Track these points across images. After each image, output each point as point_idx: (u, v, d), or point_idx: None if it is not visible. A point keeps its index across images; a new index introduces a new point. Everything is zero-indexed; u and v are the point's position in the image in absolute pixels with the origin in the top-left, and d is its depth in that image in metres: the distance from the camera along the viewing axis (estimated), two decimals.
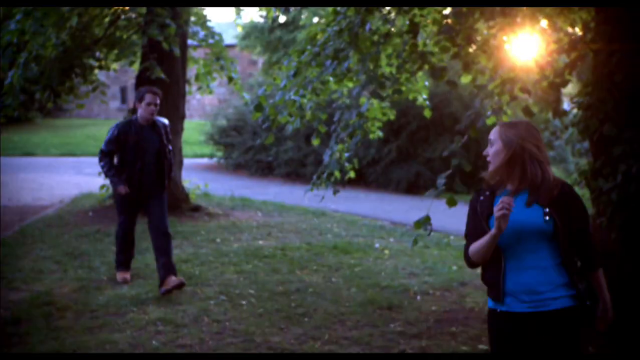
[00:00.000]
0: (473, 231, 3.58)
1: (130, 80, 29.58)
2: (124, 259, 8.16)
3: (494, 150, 3.59)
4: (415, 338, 6.28)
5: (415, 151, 19.06)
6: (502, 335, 3.56)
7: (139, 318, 6.64)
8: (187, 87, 13.51)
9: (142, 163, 7.65)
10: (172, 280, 7.37)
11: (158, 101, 7.62)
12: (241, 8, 17.22)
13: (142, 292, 7.47)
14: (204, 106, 39.26)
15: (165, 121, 8.05)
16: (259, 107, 7.06)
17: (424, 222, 5.96)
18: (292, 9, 9.75)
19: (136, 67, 12.70)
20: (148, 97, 7.54)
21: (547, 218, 3.40)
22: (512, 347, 3.52)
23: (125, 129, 7.67)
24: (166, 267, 7.46)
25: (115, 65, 13.43)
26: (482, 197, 3.62)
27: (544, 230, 3.41)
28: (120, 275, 8.02)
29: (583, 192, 6.97)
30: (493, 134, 3.61)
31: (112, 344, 5.96)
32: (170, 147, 7.90)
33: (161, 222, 7.74)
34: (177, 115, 12.85)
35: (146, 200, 7.81)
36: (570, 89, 13.30)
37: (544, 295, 3.41)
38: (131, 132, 7.63)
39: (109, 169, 7.72)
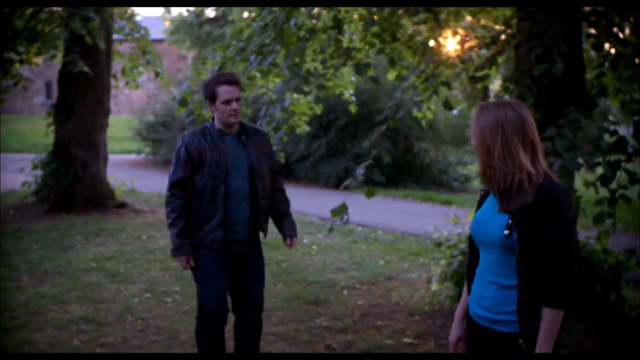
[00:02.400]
0: None
1: (56, 74, 29.12)
2: None
3: (472, 141, 2.95)
4: (340, 332, 6.30)
5: (344, 147, 19.18)
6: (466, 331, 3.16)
7: (60, 317, 6.49)
8: (112, 82, 13.27)
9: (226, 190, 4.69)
10: None
11: (239, 93, 4.69)
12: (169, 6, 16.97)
13: (63, 291, 7.30)
14: (133, 102, 38.75)
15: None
16: (183, 102, 6.97)
17: (341, 210, 5.99)
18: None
19: (59, 61, 12.43)
20: (224, 91, 4.62)
21: (507, 232, 2.82)
22: (469, 347, 3.16)
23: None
24: None
25: (37, 60, 13.11)
26: (482, 192, 3.11)
27: (504, 244, 2.84)
28: None
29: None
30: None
31: (32, 344, 5.80)
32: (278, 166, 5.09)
33: (257, 302, 4.96)
34: (102, 110, 12.64)
35: (238, 260, 4.82)
36: (498, 85, 13.56)
37: (497, 316, 2.91)
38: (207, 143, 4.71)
39: (174, 218, 4.68)
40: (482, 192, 3.10)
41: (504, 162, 2.82)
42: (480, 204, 3.07)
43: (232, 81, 4.65)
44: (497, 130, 2.83)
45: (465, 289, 3.17)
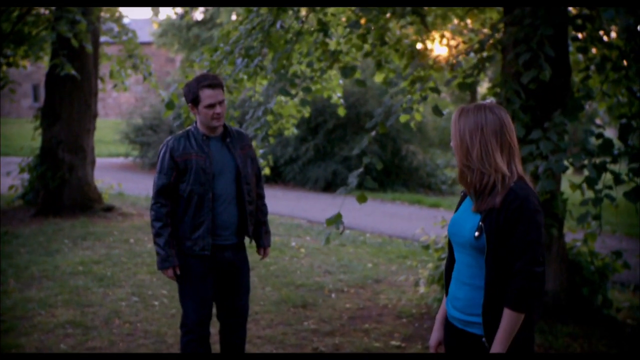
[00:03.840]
0: None
1: (43, 77, 28.95)
2: None
3: (452, 142, 2.96)
4: (328, 335, 6.30)
5: (332, 150, 19.18)
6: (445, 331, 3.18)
7: (46, 321, 6.46)
8: (100, 85, 13.23)
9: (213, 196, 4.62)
10: None
11: (222, 95, 4.61)
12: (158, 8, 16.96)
13: (50, 295, 7.28)
14: (120, 105, 38.64)
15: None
16: (170, 105, 6.96)
17: (336, 219, 5.99)
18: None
19: (47, 63, 12.39)
20: (207, 94, 4.52)
21: (477, 234, 2.86)
22: (447, 349, 3.17)
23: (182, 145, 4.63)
24: None
25: (25, 62, 13.07)
26: (462, 194, 3.13)
27: (474, 245, 2.88)
28: None
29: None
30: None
31: (18, 348, 5.78)
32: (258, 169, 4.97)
33: (243, 310, 4.94)
34: (89, 113, 12.59)
35: (225, 268, 4.77)
36: (486, 88, 13.62)
37: (469, 318, 2.96)
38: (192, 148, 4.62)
39: (159, 227, 4.59)
40: (462, 193, 3.12)
41: (482, 162, 2.85)
42: (458, 205, 3.09)
43: (215, 84, 4.54)
44: (476, 132, 2.87)
45: (444, 291, 3.19)
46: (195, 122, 4.70)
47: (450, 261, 3.12)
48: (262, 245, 4.96)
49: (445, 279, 3.15)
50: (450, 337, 3.10)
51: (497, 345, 2.81)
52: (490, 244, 2.82)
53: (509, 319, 2.80)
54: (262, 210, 4.95)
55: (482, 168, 2.86)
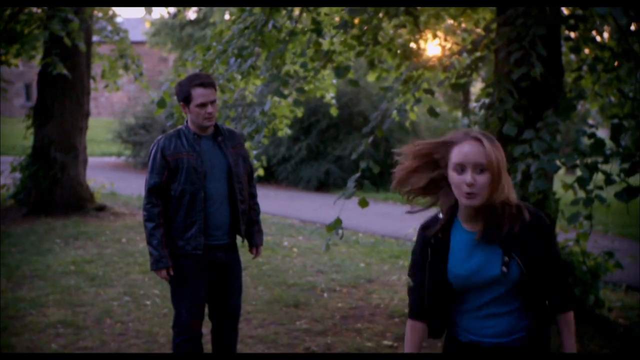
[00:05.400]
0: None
1: (36, 76, 28.91)
2: None
3: (486, 175, 2.71)
4: (320, 335, 6.30)
5: (325, 149, 19.19)
6: None
7: (38, 321, 6.44)
8: (92, 84, 13.20)
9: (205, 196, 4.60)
10: None
11: (214, 95, 4.60)
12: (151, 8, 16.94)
13: (42, 295, 7.25)
14: (113, 104, 38.55)
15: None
16: (161, 103, 6.93)
17: (335, 225, 5.97)
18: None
19: (39, 62, 12.35)
20: (199, 94, 4.52)
21: (505, 269, 2.74)
22: None
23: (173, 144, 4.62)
24: None
25: (17, 61, 13.02)
26: (422, 236, 2.92)
27: (502, 281, 2.77)
28: None
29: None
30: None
31: (9, 348, 5.75)
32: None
33: (235, 310, 4.94)
34: (81, 112, 12.56)
35: (217, 268, 4.75)
36: (479, 88, 13.64)
37: (508, 339, 2.87)
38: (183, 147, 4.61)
39: (152, 227, 4.56)
40: (422, 235, 2.90)
41: (503, 194, 2.73)
42: (431, 249, 2.86)
43: (208, 83, 4.52)
44: (504, 164, 2.72)
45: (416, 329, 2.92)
46: (187, 121, 4.67)
47: (441, 301, 2.88)
48: (255, 244, 4.95)
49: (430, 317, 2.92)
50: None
51: (572, 347, 2.93)
52: (525, 273, 2.74)
53: (572, 320, 2.92)
54: (254, 209, 4.93)
55: (505, 199, 2.74)
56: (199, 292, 4.65)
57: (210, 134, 4.67)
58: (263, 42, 6.83)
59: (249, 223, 4.89)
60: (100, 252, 9.38)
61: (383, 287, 8.11)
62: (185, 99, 4.55)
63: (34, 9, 11.61)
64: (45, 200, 12.09)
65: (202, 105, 4.50)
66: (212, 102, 4.53)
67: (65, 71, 10.70)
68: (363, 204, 6.11)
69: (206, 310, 4.83)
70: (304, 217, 13.68)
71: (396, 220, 13.78)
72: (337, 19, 7.99)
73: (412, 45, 8.28)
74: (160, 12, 32.88)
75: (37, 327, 6.29)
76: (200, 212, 4.54)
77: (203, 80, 4.52)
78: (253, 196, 4.93)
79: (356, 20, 7.01)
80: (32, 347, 5.80)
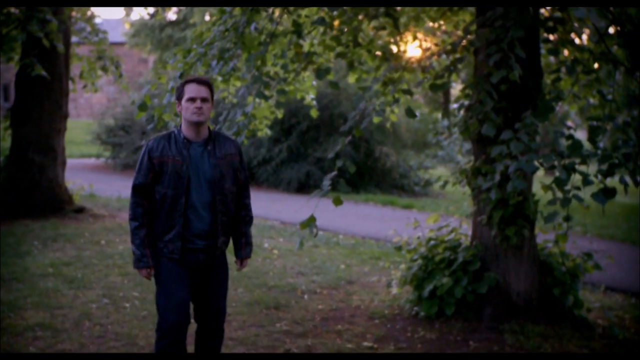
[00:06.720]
0: None
1: (14, 77, 28.74)
2: None
3: None
4: (300, 337, 6.29)
5: (306, 151, 19.20)
6: None
7: (15, 324, 6.38)
8: (71, 85, 13.11)
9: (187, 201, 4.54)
10: None
11: (207, 94, 4.54)
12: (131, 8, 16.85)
13: (19, 297, 7.19)
14: (92, 105, 38.37)
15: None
16: (143, 107, 6.90)
17: (309, 222, 5.98)
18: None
19: (17, 63, 12.24)
20: (190, 89, 4.50)
21: None
22: None
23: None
24: None
25: None
26: None
27: None
28: None
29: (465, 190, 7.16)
30: None
31: None
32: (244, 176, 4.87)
33: (219, 313, 4.82)
34: (60, 113, 12.48)
35: (200, 268, 4.69)
36: (459, 89, 13.69)
37: None
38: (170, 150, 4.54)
39: (135, 227, 4.54)
40: None
41: None
42: None
43: (202, 81, 4.51)
44: None
45: None
46: (180, 125, 4.61)
47: None
48: (240, 256, 4.87)
49: None
50: None
51: None
52: None
53: None
54: (244, 220, 4.85)
55: None
56: (183, 294, 4.58)
57: (203, 140, 4.58)
58: (244, 44, 6.81)
59: (237, 234, 4.82)
60: (79, 254, 9.32)
61: (363, 288, 8.11)
62: (179, 95, 4.54)
63: (12, 10, 11.50)
64: (23, 202, 11.99)
65: (192, 99, 4.45)
66: (203, 100, 4.46)
67: (43, 72, 10.60)
68: (337, 202, 6.11)
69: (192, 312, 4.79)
70: (285, 219, 13.67)
71: (376, 222, 13.80)
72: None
73: (392, 47, 8.30)
74: (139, 13, 32.73)
75: (15, 329, 6.22)
76: (179, 217, 4.49)
77: (198, 78, 4.52)
78: (245, 207, 4.84)
79: (336, 22, 7.02)
80: (10, 350, 5.74)
